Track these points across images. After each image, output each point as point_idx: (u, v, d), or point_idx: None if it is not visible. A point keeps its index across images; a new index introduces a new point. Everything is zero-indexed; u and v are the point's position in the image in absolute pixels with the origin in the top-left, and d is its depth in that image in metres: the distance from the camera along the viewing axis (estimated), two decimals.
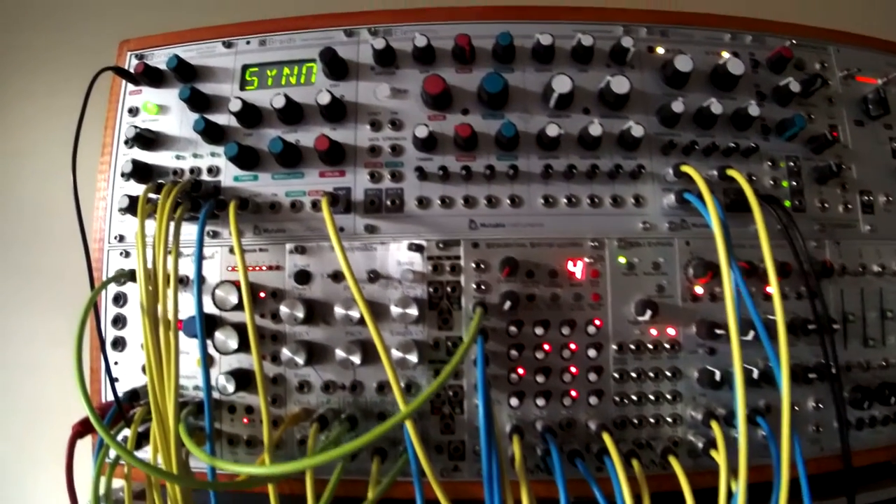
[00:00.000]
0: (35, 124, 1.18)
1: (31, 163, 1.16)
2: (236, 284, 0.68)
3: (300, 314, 0.66)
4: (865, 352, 0.73)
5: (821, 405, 0.70)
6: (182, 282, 0.70)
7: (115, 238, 0.74)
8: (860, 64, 0.78)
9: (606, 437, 0.62)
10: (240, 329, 0.68)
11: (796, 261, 0.68)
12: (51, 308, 1.12)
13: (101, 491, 0.63)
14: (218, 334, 0.68)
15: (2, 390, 1.13)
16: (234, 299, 0.67)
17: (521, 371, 0.67)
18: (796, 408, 0.69)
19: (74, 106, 0.67)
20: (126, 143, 0.74)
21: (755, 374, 0.66)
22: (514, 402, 0.66)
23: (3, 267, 1.16)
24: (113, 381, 0.66)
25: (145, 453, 0.67)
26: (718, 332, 0.66)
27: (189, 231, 0.71)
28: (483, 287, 0.68)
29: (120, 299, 0.73)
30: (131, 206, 0.69)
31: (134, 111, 0.76)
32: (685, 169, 0.66)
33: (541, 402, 0.67)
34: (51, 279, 1.13)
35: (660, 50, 0.75)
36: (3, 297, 1.15)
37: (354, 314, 0.66)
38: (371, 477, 0.63)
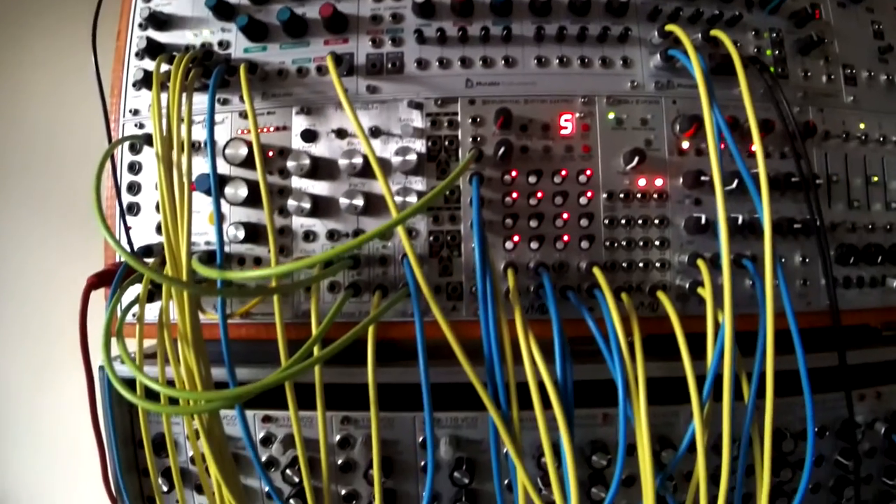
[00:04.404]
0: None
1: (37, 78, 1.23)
2: (244, 140, 0.72)
3: (306, 162, 0.69)
4: (850, 213, 0.75)
5: (807, 259, 0.72)
6: (195, 146, 0.74)
7: (130, 112, 0.78)
8: None
9: (597, 271, 0.65)
10: (249, 182, 0.71)
11: (780, 119, 0.71)
12: (63, 226, 1.17)
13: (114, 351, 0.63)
14: (228, 188, 0.71)
15: (18, 307, 1.18)
16: (243, 152, 0.71)
17: (516, 217, 0.70)
18: (783, 259, 0.72)
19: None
20: (140, 25, 0.78)
21: (740, 220, 0.69)
22: (508, 245, 0.69)
23: (20, 191, 1.21)
24: (128, 229, 0.70)
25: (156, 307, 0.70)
26: (704, 178, 0.69)
27: (202, 101, 0.75)
28: (479, 139, 0.71)
29: (134, 167, 0.76)
30: (145, 80, 0.73)
31: None
32: (670, 28, 0.69)
33: (535, 245, 0.70)
34: (62, 199, 1.18)
35: None
36: (18, 219, 1.20)
37: (357, 161, 0.69)
38: (372, 306, 0.66)
